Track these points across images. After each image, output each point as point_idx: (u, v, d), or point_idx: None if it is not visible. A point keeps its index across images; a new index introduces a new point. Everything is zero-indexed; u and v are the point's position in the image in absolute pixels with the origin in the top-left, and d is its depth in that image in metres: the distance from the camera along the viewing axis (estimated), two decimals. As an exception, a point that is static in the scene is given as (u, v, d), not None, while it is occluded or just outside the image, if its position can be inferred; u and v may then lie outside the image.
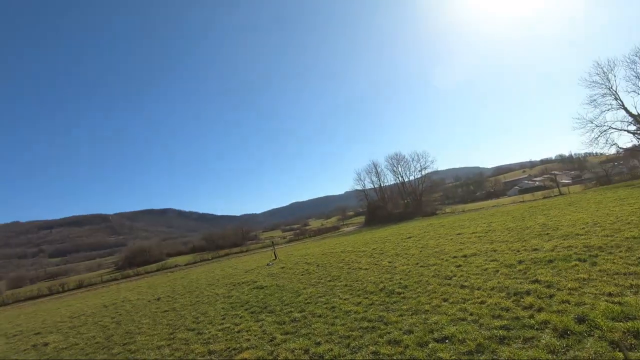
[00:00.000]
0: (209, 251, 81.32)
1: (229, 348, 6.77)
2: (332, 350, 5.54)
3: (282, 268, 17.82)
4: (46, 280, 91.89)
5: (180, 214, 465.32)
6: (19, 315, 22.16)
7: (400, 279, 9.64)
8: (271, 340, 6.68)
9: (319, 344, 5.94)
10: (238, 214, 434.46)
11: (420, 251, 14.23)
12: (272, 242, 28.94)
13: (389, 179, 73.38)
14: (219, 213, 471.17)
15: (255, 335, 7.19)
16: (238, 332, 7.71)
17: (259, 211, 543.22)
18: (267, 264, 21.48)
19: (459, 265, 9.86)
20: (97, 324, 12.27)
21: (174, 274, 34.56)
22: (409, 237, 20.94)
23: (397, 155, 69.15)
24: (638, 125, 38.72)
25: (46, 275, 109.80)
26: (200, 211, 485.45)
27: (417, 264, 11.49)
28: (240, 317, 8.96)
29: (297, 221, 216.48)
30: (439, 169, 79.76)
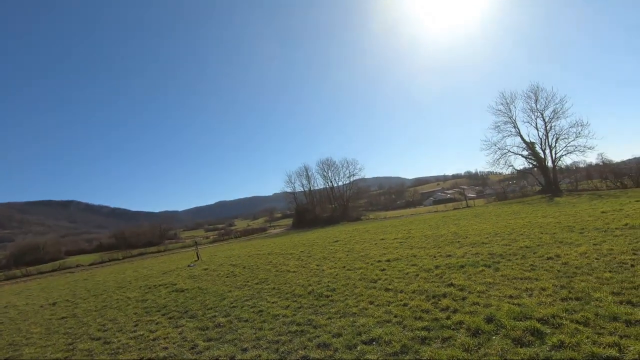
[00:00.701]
0: (120, 250, 73.59)
1: (142, 358, 6.11)
2: (260, 356, 5.34)
3: (205, 270, 16.87)
4: None
5: (88, 207, 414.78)
6: None
7: (329, 282, 9.79)
8: (192, 348, 6.20)
9: (245, 350, 5.68)
10: (156, 210, 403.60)
11: (347, 255, 14.67)
12: (195, 242, 27.32)
13: (319, 183, 74.92)
14: (133, 209, 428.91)
15: (173, 343, 6.61)
16: (154, 339, 7.02)
17: (180, 208, 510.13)
18: (189, 265, 20.16)
19: (384, 269, 10.37)
20: (-32, 335, 10.16)
21: (74, 275, 30.43)
22: (335, 241, 21.50)
23: (328, 161, 70.98)
24: (529, 151, 45.57)
25: None
26: (112, 205, 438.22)
27: (344, 267, 11.82)
28: (157, 323, 8.19)
29: (222, 221, 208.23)
30: (365, 177, 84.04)
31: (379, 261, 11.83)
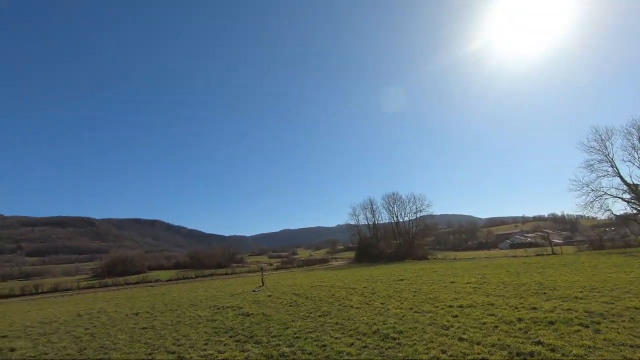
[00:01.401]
0: (193, 269, 79.09)
1: (211, 378, 6.35)
2: (324, 393, 5.19)
3: (269, 296, 17.24)
4: (20, 279, 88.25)
5: (169, 227, 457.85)
6: (-15, 313, 20.99)
7: (395, 323, 9.28)
8: (257, 375, 6.27)
9: (309, 384, 5.58)
10: (227, 234, 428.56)
11: (414, 295, 13.87)
12: (261, 268, 28.23)
13: (384, 218, 73.22)
14: (207, 231, 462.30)
15: (240, 367, 6.78)
16: (222, 361, 7.28)
17: (248, 234, 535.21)
18: (253, 290, 20.82)
19: (456, 316, 9.55)
20: (69, 333, 11.60)
21: (154, 288, 33.31)
22: (401, 280, 20.56)
23: (394, 195, 69.48)
24: (632, 195, 39.36)
25: (20, 274, 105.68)
26: (189, 227, 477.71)
27: (412, 308, 11.15)
28: (225, 345, 8.50)
29: (286, 249, 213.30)
30: (434, 214, 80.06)
31: (450, 306, 10.94)
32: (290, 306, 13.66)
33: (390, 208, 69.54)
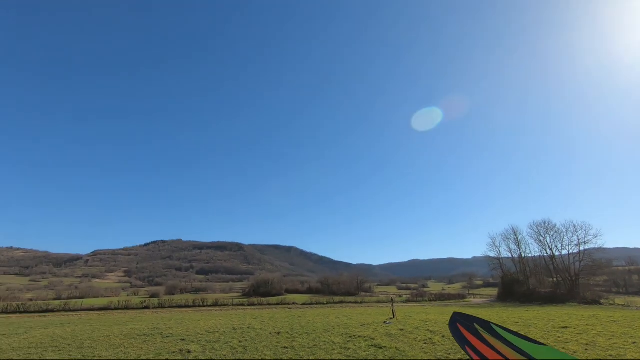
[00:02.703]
0: (324, 294, 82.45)
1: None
2: None
3: (401, 330, 16.44)
4: (192, 292, 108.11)
5: (302, 253, 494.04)
6: (170, 319, 26.33)
7: (562, 381, 7.56)
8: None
9: None
10: (354, 262, 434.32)
11: (586, 349, 11.14)
12: (392, 299, 27.39)
13: (533, 250, 62.22)
14: (336, 258, 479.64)
15: (376, 402, 6.56)
16: (358, 392, 7.20)
17: (375, 263, 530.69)
18: (384, 322, 20.24)
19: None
20: (227, 344, 13.44)
21: (291, 310, 35.95)
22: (564, 327, 16.86)
23: (545, 223, 58.62)
24: None
25: (192, 288, 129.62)
26: (320, 254, 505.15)
27: (585, 366, 8.93)
28: (359, 376, 8.42)
29: (415, 280, 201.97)
30: (604, 247, 63.71)
31: (647, 370, 8.31)
32: (425, 344, 12.69)
33: (541, 239, 58.76)
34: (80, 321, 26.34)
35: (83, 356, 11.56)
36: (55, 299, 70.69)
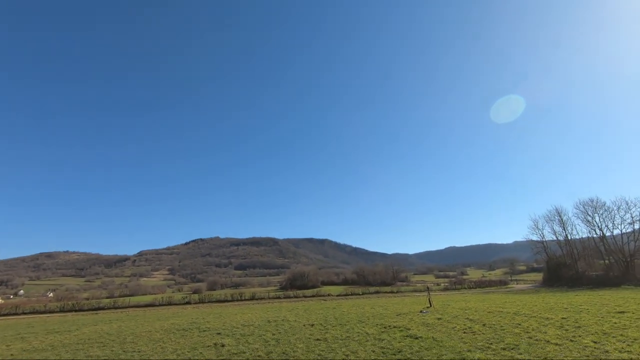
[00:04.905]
0: (359, 285, 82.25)
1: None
2: None
3: (439, 319, 15.80)
4: (231, 287, 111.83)
5: (336, 245, 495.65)
6: (209, 313, 27.16)
7: (622, 372, 6.78)
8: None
9: None
10: (389, 252, 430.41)
11: (649, 336, 10.02)
12: (428, 288, 26.59)
13: (580, 231, 58.20)
14: (370, 249, 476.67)
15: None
16: (391, 385, 6.83)
17: (411, 252, 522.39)
18: (421, 311, 19.61)
19: None
20: (261, 337, 13.49)
21: (326, 302, 36.00)
22: (621, 312, 15.46)
23: (593, 202, 54.42)
24: None
25: (231, 283, 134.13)
26: (354, 245, 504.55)
27: (648, 355, 8.00)
28: (393, 368, 8.04)
29: (453, 268, 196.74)
30: (663, 223, 58.41)
31: None
32: (465, 333, 12.04)
33: (589, 218, 54.72)
34: (127, 317, 27.81)
35: (124, 351, 12.01)
36: (107, 297, 75.73)
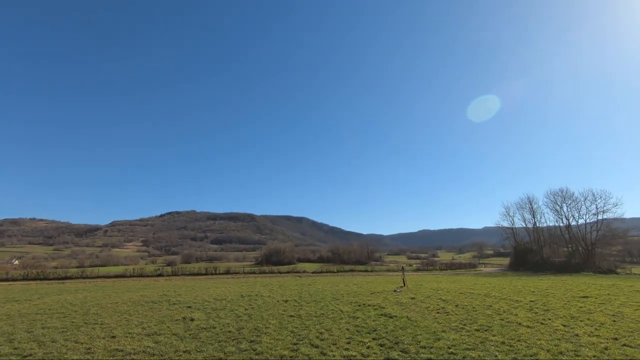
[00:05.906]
0: (334, 263, 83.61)
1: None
2: None
3: (412, 299, 15.93)
4: (205, 261, 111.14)
5: (314, 224, 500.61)
6: (181, 286, 26.59)
7: (593, 356, 6.81)
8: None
9: None
10: (365, 232, 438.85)
11: (614, 322, 10.33)
12: (402, 268, 26.91)
13: (548, 220, 60.82)
14: (347, 229, 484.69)
15: (386, 378, 5.93)
16: (365, 366, 6.59)
17: (385, 233, 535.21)
18: (395, 290, 19.82)
19: None
20: (233, 311, 13.12)
21: (302, 279, 36.14)
22: (585, 297, 16.09)
23: (562, 192, 56.71)
24: None
25: (207, 257, 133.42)
26: (331, 224, 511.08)
27: (616, 339, 8.17)
28: (368, 347, 7.83)
29: (425, 250, 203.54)
30: (624, 217, 61.67)
31: (689, 345, 7.47)
32: (438, 313, 12.10)
33: (558, 208, 57.13)
34: (94, 288, 26.84)
35: (86, 323, 11.35)
36: (78, 267, 73.40)
